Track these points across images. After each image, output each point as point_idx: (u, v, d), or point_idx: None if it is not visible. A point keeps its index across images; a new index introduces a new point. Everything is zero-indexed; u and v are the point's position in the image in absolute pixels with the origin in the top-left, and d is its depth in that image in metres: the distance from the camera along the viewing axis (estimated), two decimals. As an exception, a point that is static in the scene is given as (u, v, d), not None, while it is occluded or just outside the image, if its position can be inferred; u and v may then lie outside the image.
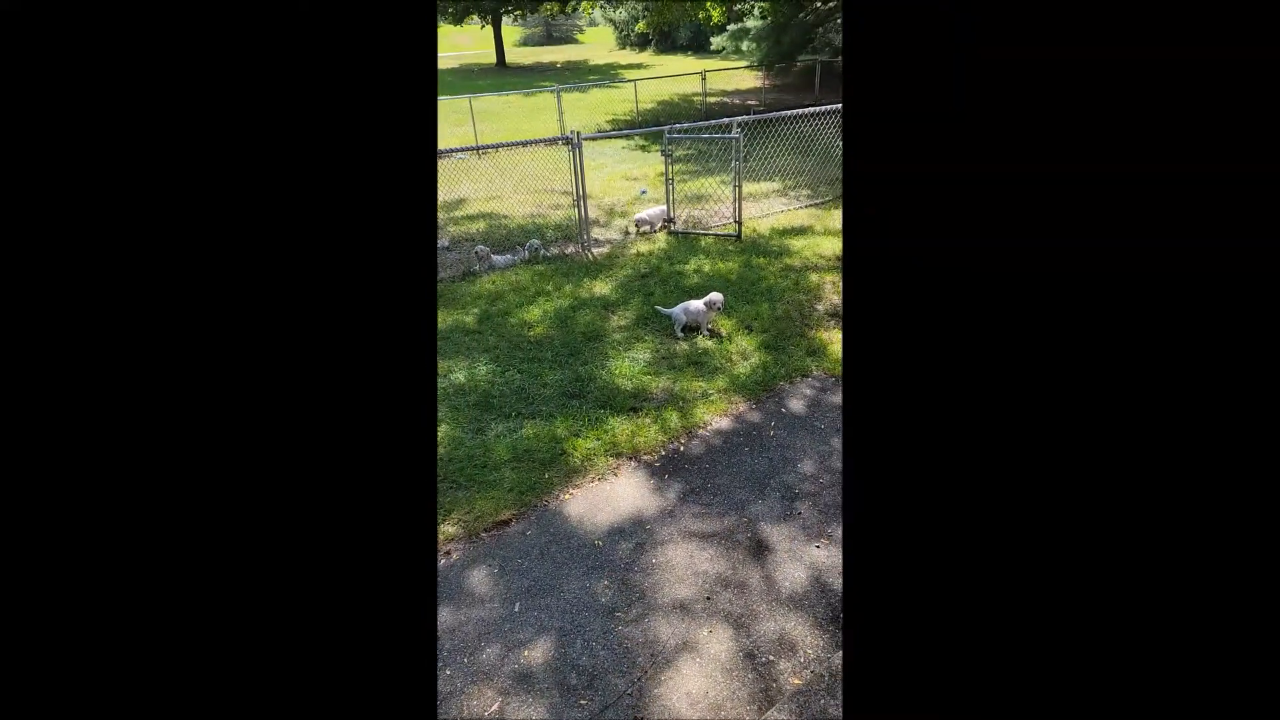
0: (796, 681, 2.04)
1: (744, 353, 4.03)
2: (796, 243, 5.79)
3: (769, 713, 1.91)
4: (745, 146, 6.35)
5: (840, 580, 2.44)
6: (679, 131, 6.60)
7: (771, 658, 2.17)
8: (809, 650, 2.18)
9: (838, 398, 3.55)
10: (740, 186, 6.03)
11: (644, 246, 5.99)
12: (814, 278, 5.01)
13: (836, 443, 3.20)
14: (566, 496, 2.96)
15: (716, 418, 3.45)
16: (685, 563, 2.56)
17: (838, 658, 2.06)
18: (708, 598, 2.40)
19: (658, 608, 2.37)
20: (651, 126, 9.98)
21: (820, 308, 4.55)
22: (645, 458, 3.19)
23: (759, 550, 2.61)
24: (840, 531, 2.67)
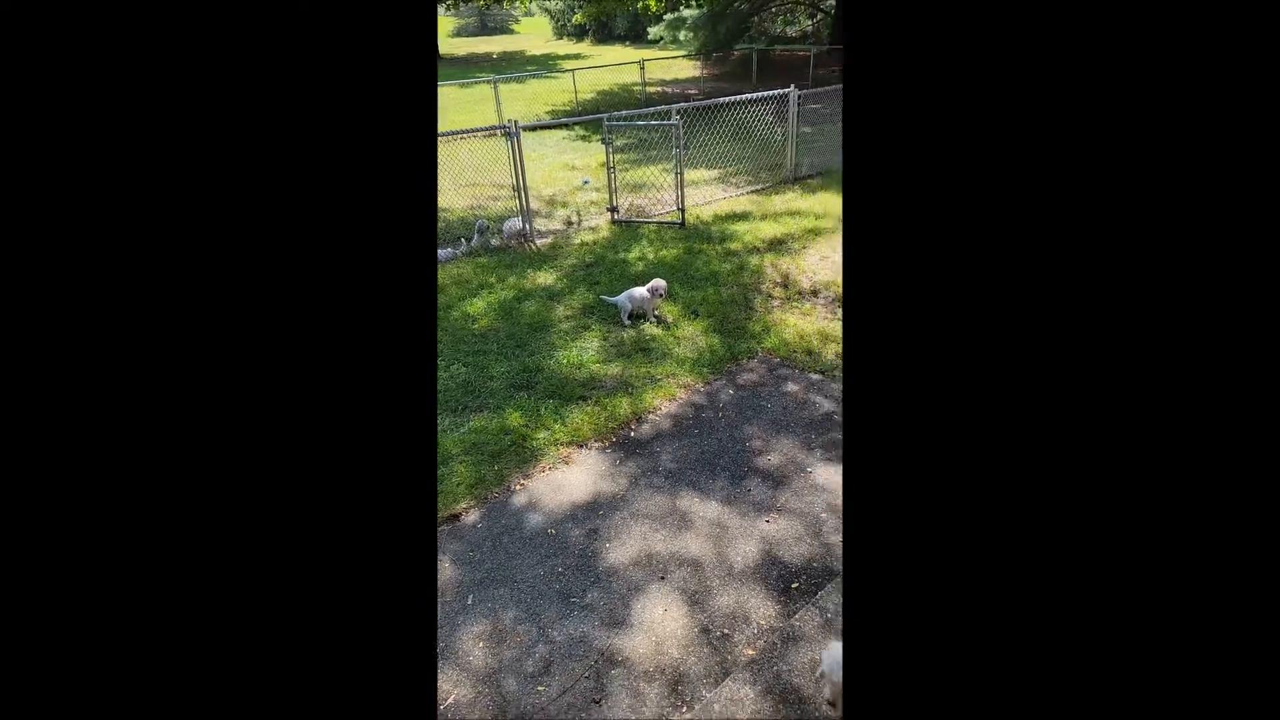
0: (751, 652, 2.09)
1: (691, 337, 4.07)
2: (738, 228, 5.86)
3: (724, 683, 1.94)
4: (685, 134, 6.38)
5: (790, 551, 2.51)
6: (619, 120, 6.58)
7: (726, 631, 2.21)
8: (762, 621, 2.24)
9: (784, 378, 3.63)
10: (682, 174, 6.07)
11: (587, 236, 5.96)
12: (755, 261, 5.09)
13: (783, 421, 3.27)
14: (519, 487, 2.93)
15: (666, 402, 3.48)
16: (639, 545, 2.58)
17: (789, 625, 2.11)
18: (662, 577, 2.42)
19: (613, 590, 2.38)
20: (591, 115, 9.92)
21: (764, 290, 4.63)
22: (596, 445, 3.18)
23: (711, 528, 2.65)
24: (790, 503, 2.73)
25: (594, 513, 2.76)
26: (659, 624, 2.24)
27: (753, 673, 1.94)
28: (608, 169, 6.25)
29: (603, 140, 6.16)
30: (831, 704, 1.81)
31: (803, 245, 5.35)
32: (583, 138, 10.79)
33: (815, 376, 3.62)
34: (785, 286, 4.67)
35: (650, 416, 3.37)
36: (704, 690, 1.97)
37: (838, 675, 1.74)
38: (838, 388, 3.50)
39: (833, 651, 1.82)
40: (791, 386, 3.55)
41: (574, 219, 6.44)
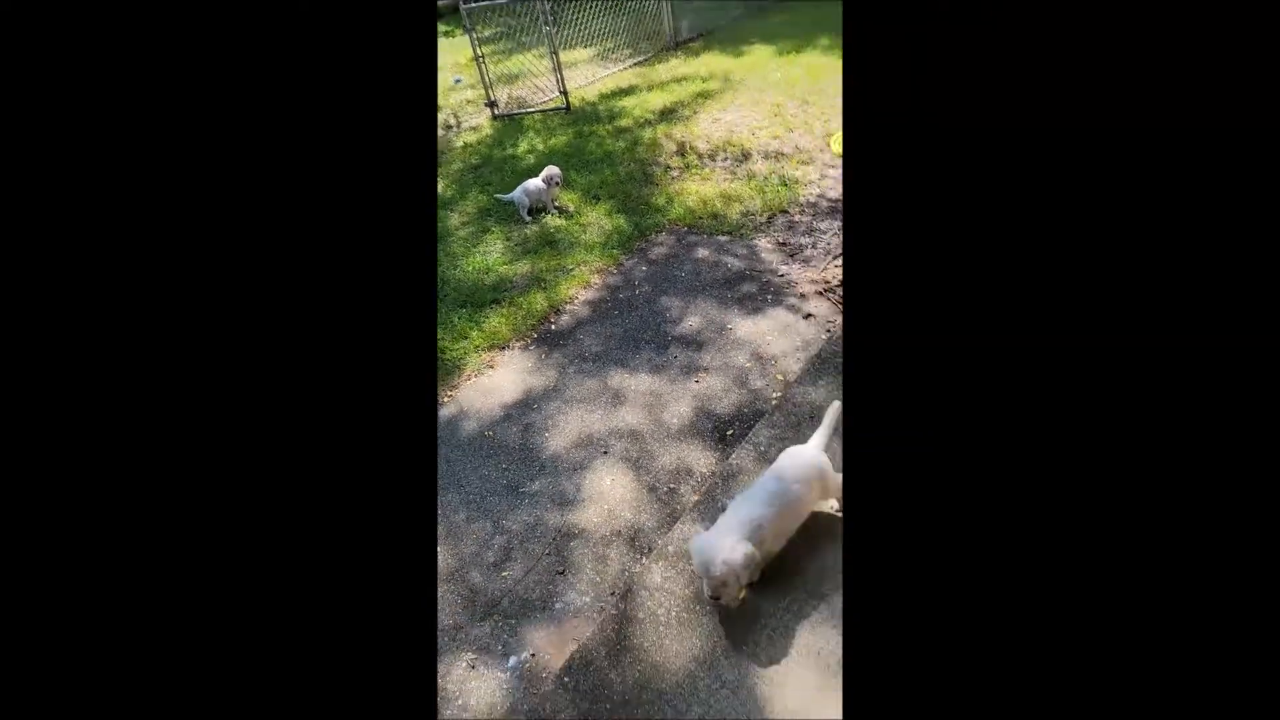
0: (696, 498, 2.20)
1: (595, 222, 3.97)
2: (626, 103, 5.61)
3: (675, 527, 2.06)
4: (553, 13, 5.91)
5: (721, 404, 2.60)
6: (477, 4, 6.00)
7: (672, 486, 2.32)
8: (704, 469, 2.35)
9: (694, 245, 3.62)
10: (557, 56, 5.67)
11: (470, 137, 5.58)
12: (649, 134, 4.93)
13: (698, 286, 3.30)
14: (446, 399, 2.88)
15: (581, 290, 3.43)
16: (577, 428, 2.62)
17: (727, 466, 2.23)
18: (604, 452, 2.49)
19: (559, 474, 2.43)
20: (448, 4, 9.02)
21: (662, 162, 4.52)
22: (518, 344, 3.14)
23: (644, 399, 2.70)
24: (715, 361, 2.81)
25: (527, 408, 2.76)
26: (608, 493, 2.32)
27: (700, 512, 2.05)
28: (478, 62, 5.76)
29: (465, 30, 5.63)
30: (715, 597, 1.69)
31: (693, 111, 5.20)
32: (445, 33, 9.85)
33: (723, 238, 3.63)
34: (683, 155, 4.57)
35: (568, 307, 3.33)
36: (658, 540, 2.09)
37: (715, 569, 1.64)
38: (745, 246, 3.53)
39: (698, 544, 1.70)
40: (702, 252, 3.56)
41: (452, 121, 6.00)
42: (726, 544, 1.67)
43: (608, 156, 4.70)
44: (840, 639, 1.70)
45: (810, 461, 1.85)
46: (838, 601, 1.79)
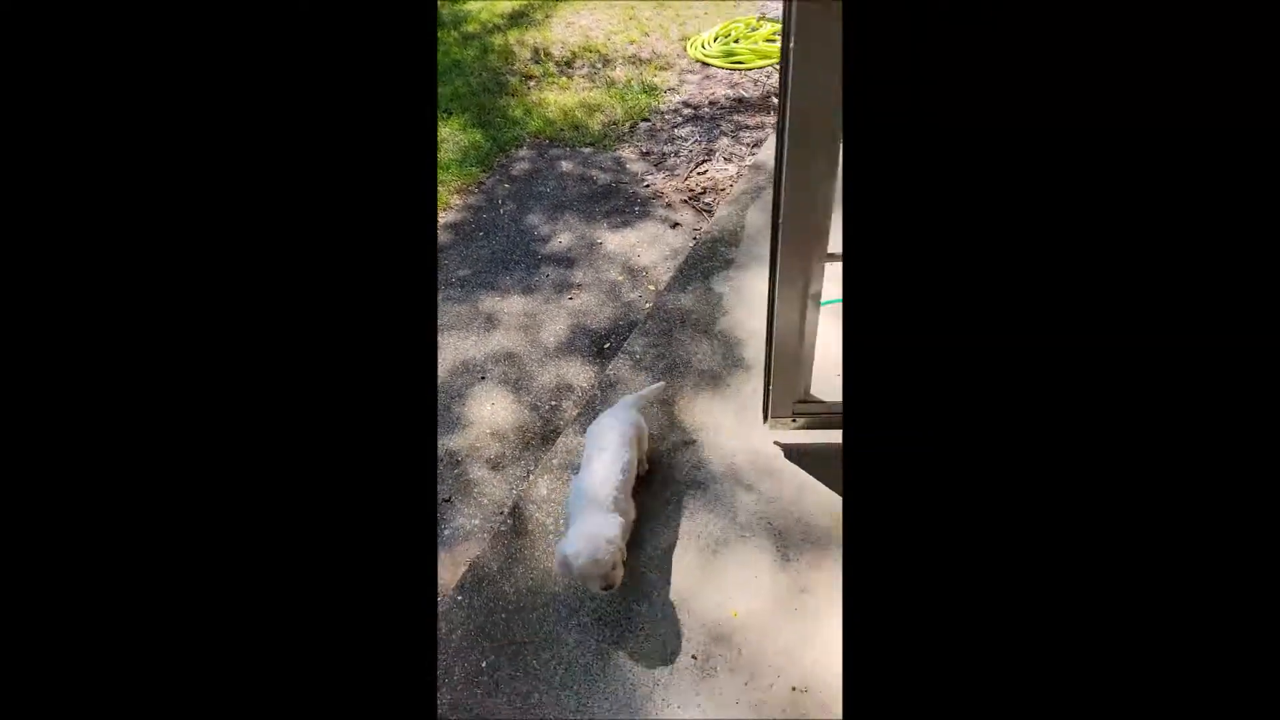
0: (577, 410, 2.24)
1: (450, 138, 3.70)
2: (471, 6, 5.16)
3: (558, 439, 2.10)
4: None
5: (596, 319, 2.62)
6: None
7: (554, 402, 2.34)
8: (583, 384, 2.38)
9: (557, 158, 3.49)
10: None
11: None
12: (499, 40, 4.59)
13: (565, 201, 3.22)
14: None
15: (441, 213, 3.23)
16: (452, 356, 2.54)
17: (605, 376, 2.27)
18: (482, 378, 2.44)
19: (437, 404, 2.37)
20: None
21: (517, 70, 4.25)
22: (377, 275, 2.94)
23: (518, 321, 2.66)
24: (587, 277, 2.80)
25: (395, 340, 2.63)
26: (490, 417, 2.30)
27: (581, 424, 2.09)
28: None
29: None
30: (608, 586, 1.59)
31: (545, 15, 4.88)
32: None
33: (586, 150, 3.53)
34: (538, 62, 4.32)
35: (428, 232, 3.14)
36: (542, 455, 2.12)
37: (600, 553, 1.55)
38: (609, 158, 3.47)
39: (569, 547, 1.58)
40: (566, 165, 3.45)
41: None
42: (593, 525, 1.59)
43: (456, 66, 4.35)
44: (719, 522, 1.85)
45: (628, 420, 1.83)
46: (715, 489, 1.93)
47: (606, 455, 1.72)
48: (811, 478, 1.92)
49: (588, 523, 1.61)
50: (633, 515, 1.77)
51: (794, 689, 1.55)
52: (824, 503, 1.87)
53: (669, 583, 1.74)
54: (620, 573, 1.61)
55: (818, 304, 1.68)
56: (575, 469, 1.84)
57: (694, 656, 1.61)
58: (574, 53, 4.36)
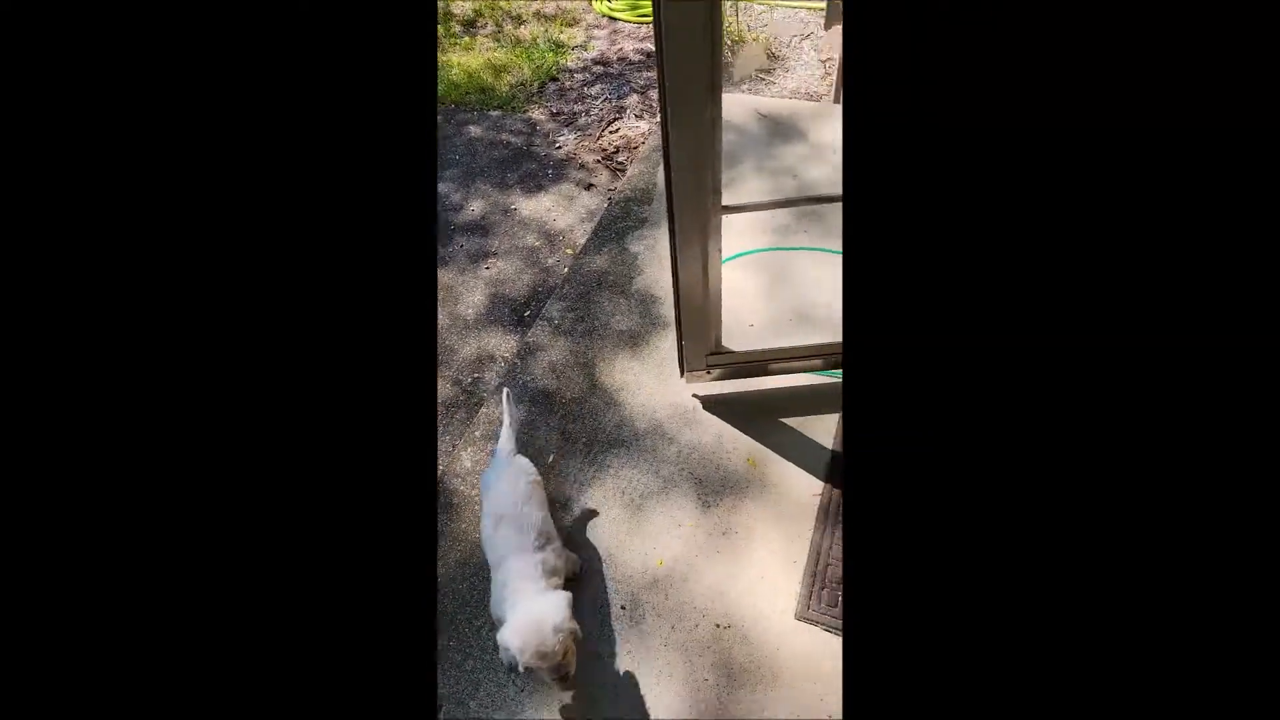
0: (499, 381, 2.24)
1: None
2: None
3: (480, 410, 2.09)
4: None
5: (514, 287, 2.59)
6: None
7: (475, 375, 2.32)
8: (505, 354, 2.37)
9: (464, 123, 3.38)
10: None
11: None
12: None
13: (476, 168, 3.13)
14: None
15: (346, 188, 3.10)
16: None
17: (525, 343, 2.26)
18: (401, 355, 2.40)
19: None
20: None
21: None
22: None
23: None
24: (503, 245, 2.75)
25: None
26: (410, 395, 2.27)
27: (502, 393, 2.10)
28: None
29: None
30: (563, 676, 1.40)
31: (445, -30, 4.65)
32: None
33: (495, 114, 3.43)
34: (440, 24, 4.13)
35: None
36: (466, 429, 2.11)
37: (548, 643, 1.33)
38: (520, 120, 3.38)
39: (511, 635, 1.35)
40: (475, 130, 3.34)
41: None
42: (536, 610, 1.37)
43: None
44: (643, 477, 1.90)
45: (522, 470, 1.65)
46: (638, 445, 1.97)
47: (508, 527, 1.51)
48: (729, 426, 1.99)
49: (529, 606, 1.39)
50: (574, 559, 1.67)
51: (717, 625, 1.64)
52: (741, 448, 1.94)
53: (598, 541, 1.79)
54: (573, 658, 1.40)
55: (719, 257, 1.71)
56: (495, 438, 1.84)
57: (623, 607, 1.67)
58: (477, 11, 4.18)
